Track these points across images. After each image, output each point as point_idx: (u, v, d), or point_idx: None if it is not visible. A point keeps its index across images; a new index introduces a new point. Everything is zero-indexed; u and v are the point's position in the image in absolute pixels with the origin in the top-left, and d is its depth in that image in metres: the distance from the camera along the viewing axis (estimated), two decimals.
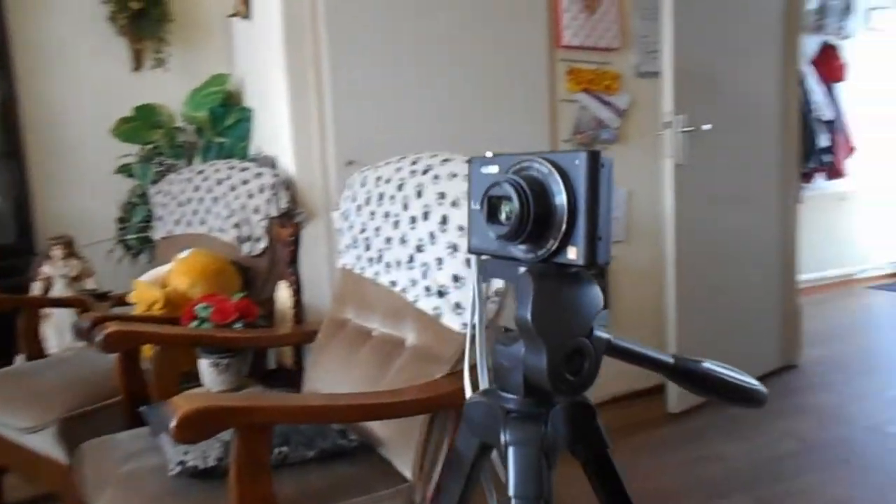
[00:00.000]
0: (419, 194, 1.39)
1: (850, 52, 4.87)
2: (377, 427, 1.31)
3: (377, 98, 2.23)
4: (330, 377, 1.51)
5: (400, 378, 1.32)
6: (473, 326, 0.63)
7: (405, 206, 1.43)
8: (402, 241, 1.43)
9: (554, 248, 0.44)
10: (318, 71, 2.16)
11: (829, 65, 4.75)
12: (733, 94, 2.76)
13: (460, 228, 1.27)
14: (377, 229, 1.53)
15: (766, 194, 3.00)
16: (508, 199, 0.45)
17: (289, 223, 1.91)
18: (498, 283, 1.22)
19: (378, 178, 1.57)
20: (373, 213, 1.55)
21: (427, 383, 1.25)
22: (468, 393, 0.63)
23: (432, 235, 1.34)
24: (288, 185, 2.11)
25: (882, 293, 4.81)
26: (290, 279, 1.85)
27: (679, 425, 2.56)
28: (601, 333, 0.49)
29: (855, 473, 2.14)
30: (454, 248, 1.28)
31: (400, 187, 1.46)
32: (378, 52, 2.23)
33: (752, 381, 0.55)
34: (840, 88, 4.81)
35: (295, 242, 1.84)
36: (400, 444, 1.28)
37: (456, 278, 1.27)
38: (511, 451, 0.50)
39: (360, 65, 2.20)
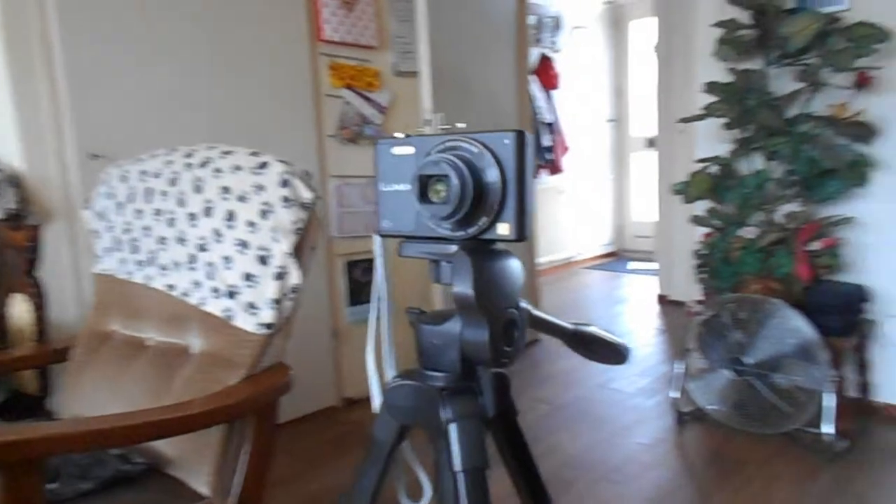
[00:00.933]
0: (198, 189, 1.29)
1: (561, 63, 5.62)
2: (165, 445, 1.20)
3: (124, 85, 2.00)
4: (97, 397, 1.33)
5: (189, 389, 1.21)
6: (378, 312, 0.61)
7: (181, 203, 1.31)
8: (180, 240, 1.31)
9: (486, 225, 0.46)
10: (47, 49, 1.87)
11: (547, 74, 5.42)
12: (480, 96, 3.02)
13: (249, 224, 1.21)
14: (146, 229, 1.38)
15: None
16: (444, 178, 0.45)
17: (22, 226, 1.63)
18: (295, 281, 1.19)
19: (143, 173, 1.41)
20: (139, 212, 1.40)
21: (221, 391, 1.17)
22: (373, 382, 0.61)
23: (217, 233, 1.25)
24: (15, 181, 1.79)
25: (595, 272, 5.66)
26: (30, 291, 1.57)
27: None
28: (524, 305, 0.52)
29: (591, 425, 2.49)
30: (244, 244, 1.21)
31: (173, 182, 1.34)
32: (123, 34, 2.00)
33: (621, 340, 0.63)
34: (555, 95, 5.52)
35: (33, 249, 1.57)
36: (193, 460, 1.18)
37: (248, 277, 1.21)
38: (454, 426, 0.50)
39: (102, 48, 1.95)
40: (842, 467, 2.07)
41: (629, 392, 2.81)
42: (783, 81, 2.37)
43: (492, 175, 0.44)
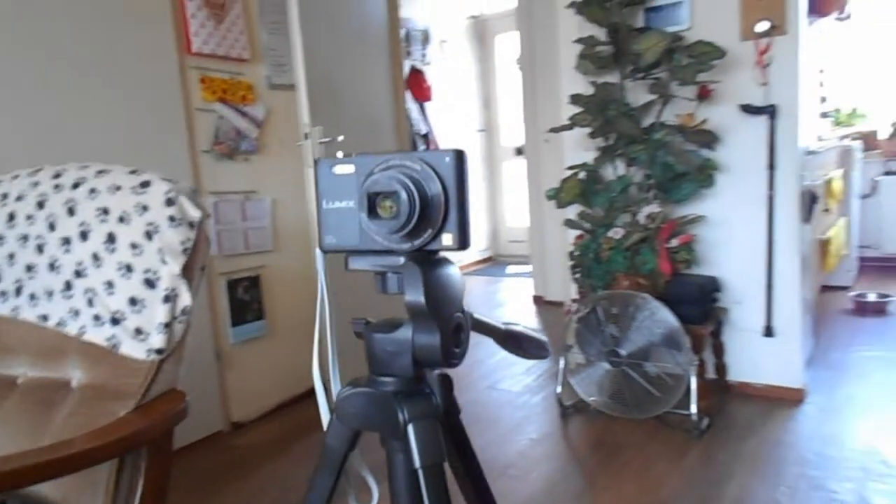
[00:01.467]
0: (71, 212, 1.21)
1: (432, 76, 5.75)
2: (48, 487, 1.11)
3: None
4: None
5: (72, 425, 1.13)
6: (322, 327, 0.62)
7: (52, 227, 1.23)
8: (53, 267, 1.22)
9: (431, 236, 0.48)
10: None
11: (419, 86, 5.53)
12: (357, 109, 3.03)
13: (133, 246, 1.16)
14: (10, 256, 1.28)
15: None
16: (392, 194, 0.46)
17: None
18: (186, 302, 1.15)
19: (3, 196, 1.31)
20: (0, 238, 1.29)
21: (110, 425, 1.10)
22: (320, 396, 0.61)
23: (96, 257, 1.18)
24: None
25: (475, 277, 5.82)
26: None
27: None
28: (466, 309, 0.55)
29: (485, 426, 2.57)
30: (127, 268, 1.16)
31: (41, 205, 1.25)
32: None
33: (542, 336, 0.68)
34: (428, 107, 5.65)
35: None
36: (82, 500, 1.11)
37: (133, 301, 1.15)
38: (413, 426, 0.52)
39: None
40: (707, 442, 2.28)
41: (517, 391, 2.93)
42: (638, 93, 2.59)
43: (434, 190, 0.47)
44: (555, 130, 2.67)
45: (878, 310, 3.75)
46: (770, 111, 2.47)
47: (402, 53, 5.34)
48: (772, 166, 2.51)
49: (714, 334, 2.68)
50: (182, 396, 1.18)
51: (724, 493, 1.93)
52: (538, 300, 4.67)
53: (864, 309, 3.78)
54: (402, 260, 0.51)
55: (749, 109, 2.51)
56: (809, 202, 2.77)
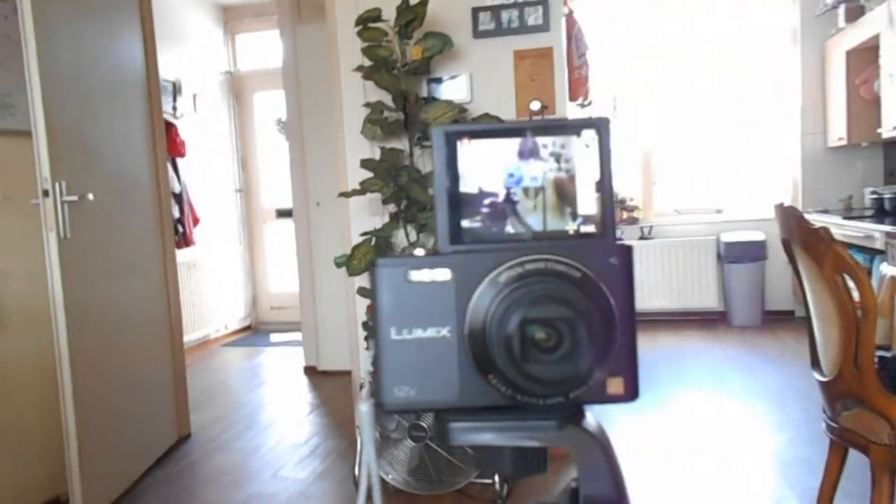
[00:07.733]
0: None
1: (184, 131, 5.27)
2: None
3: None
4: None
5: None
6: None
7: None
8: None
9: (598, 383, 0.28)
10: None
11: (172, 141, 5.02)
12: (110, 162, 2.59)
13: None
14: None
15: (149, 264, 2.92)
16: (559, 322, 0.26)
17: None
18: None
19: None
20: None
21: None
22: None
23: None
24: None
25: (236, 349, 5.33)
26: None
27: None
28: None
29: None
30: None
31: None
32: None
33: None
34: (181, 164, 5.14)
35: None
36: None
37: None
38: None
39: None
40: None
41: (304, 478, 2.65)
42: (426, 160, 2.60)
43: (600, 306, 0.28)
44: (345, 195, 2.55)
45: None
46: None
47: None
48: None
49: None
50: None
51: None
52: (310, 370, 4.40)
53: None
54: (554, 425, 0.31)
55: None
56: None
